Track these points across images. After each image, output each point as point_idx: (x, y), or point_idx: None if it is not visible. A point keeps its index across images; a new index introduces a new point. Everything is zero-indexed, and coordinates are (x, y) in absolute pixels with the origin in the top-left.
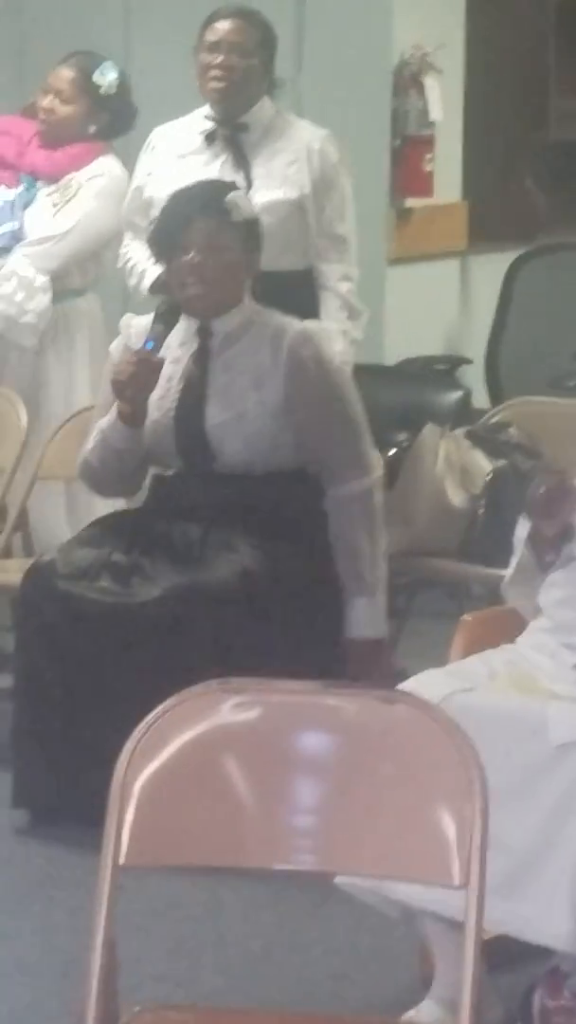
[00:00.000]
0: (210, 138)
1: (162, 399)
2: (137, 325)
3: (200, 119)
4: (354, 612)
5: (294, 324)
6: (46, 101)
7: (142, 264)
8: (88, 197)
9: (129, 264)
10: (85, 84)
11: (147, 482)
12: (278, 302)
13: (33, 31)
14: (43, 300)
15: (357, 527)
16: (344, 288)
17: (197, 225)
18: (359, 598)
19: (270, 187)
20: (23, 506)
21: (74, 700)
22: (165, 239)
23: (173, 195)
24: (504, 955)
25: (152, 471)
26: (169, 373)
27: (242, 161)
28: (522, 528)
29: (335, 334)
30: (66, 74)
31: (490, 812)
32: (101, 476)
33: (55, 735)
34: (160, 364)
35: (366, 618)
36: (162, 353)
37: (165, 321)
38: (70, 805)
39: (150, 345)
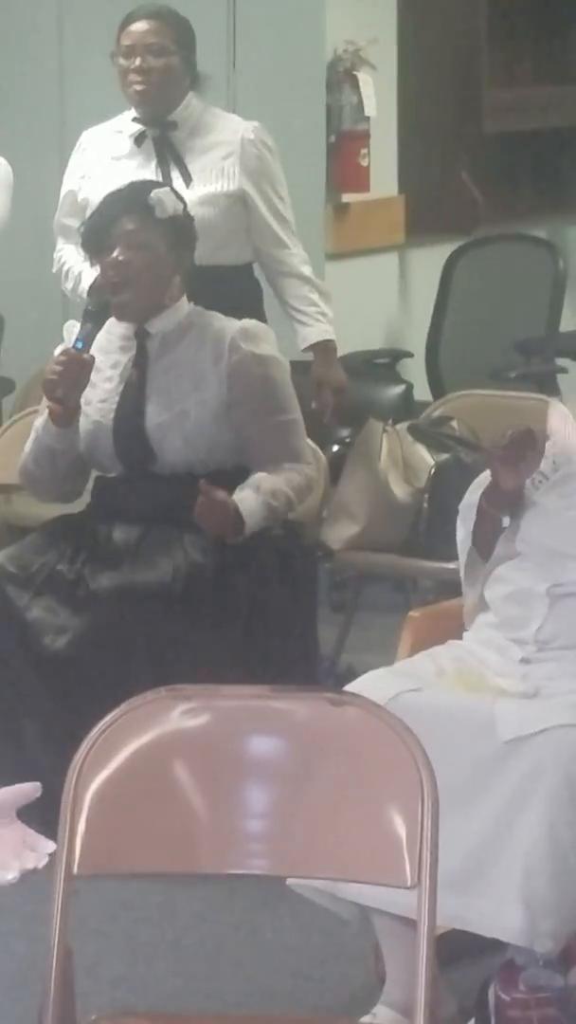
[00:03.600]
0: (139, 140)
1: (102, 402)
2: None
3: (128, 121)
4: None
5: (235, 323)
6: None
7: (77, 267)
8: None
9: (65, 268)
10: None
11: (90, 486)
12: (217, 297)
13: None
14: None
15: (300, 493)
16: (308, 271)
17: (120, 224)
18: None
19: (206, 181)
20: None
21: (36, 703)
22: (93, 240)
23: (103, 197)
24: (457, 949)
25: (95, 474)
26: (108, 375)
27: (176, 159)
28: (462, 528)
29: (310, 317)
30: None
31: (442, 809)
32: (38, 478)
33: (16, 737)
34: (90, 362)
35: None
36: (102, 357)
37: (94, 320)
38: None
39: (79, 345)
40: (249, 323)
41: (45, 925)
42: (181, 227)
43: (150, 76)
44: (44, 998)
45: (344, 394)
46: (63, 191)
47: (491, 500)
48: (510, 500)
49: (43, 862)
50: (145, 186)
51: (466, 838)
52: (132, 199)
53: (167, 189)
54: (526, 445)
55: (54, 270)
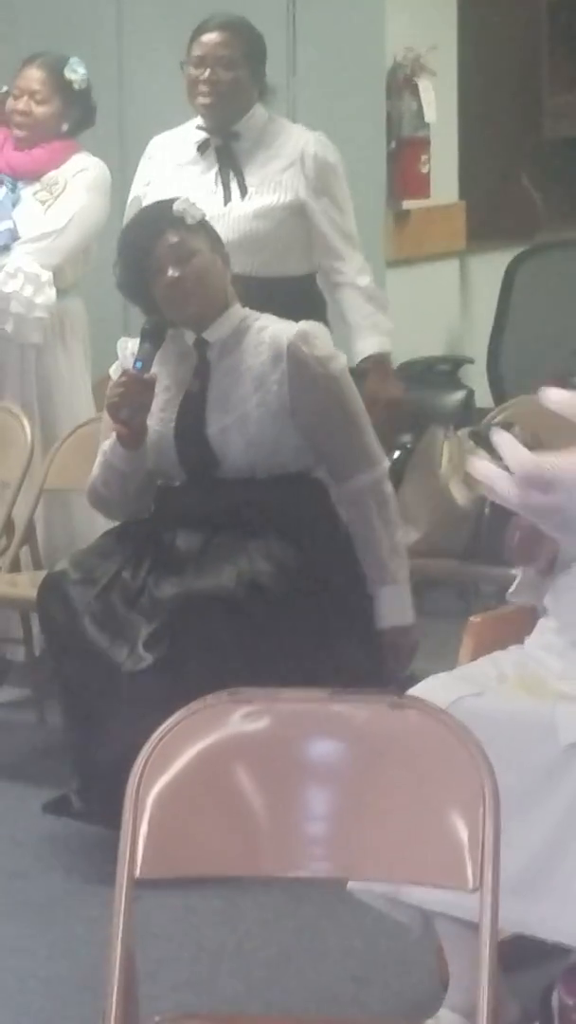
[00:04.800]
0: (202, 148)
1: (162, 411)
2: (133, 348)
3: (194, 129)
4: (380, 602)
5: (293, 325)
6: (20, 104)
7: None
8: (79, 191)
9: None
10: (58, 82)
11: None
12: (279, 307)
13: (28, 50)
14: (51, 295)
15: (372, 518)
16: (365, 281)
17: (159, 245)
18: (383, 587)
19: (264, 193)
20: (30, 519)
21: (103, 705)
22: (134, 277)
23: (120, 238)
24: (520, 954)
25: (159, 482)
26: (166, 385)
27: (236, 170)
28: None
29: (365, 329)
30: (37, 74)
31: (502, 814)
32: (107, 499)
33: (87, 741)
34: (152, 382)
35: (393, 606)
36: (161, 371)
37: (151, 339)
38: (95, 813)
39: (139, 365)
40: (306, 325)
41: (108, 933)
42: (210, 228)
43: (218, 88)
44: (106, 1000)
45: (397, 408)
46: (130, 197)
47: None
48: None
49: None
50: (161, 204)
51: (527, 843)
52: (159, 218)
53: (185, 198)
54: (533, 539)
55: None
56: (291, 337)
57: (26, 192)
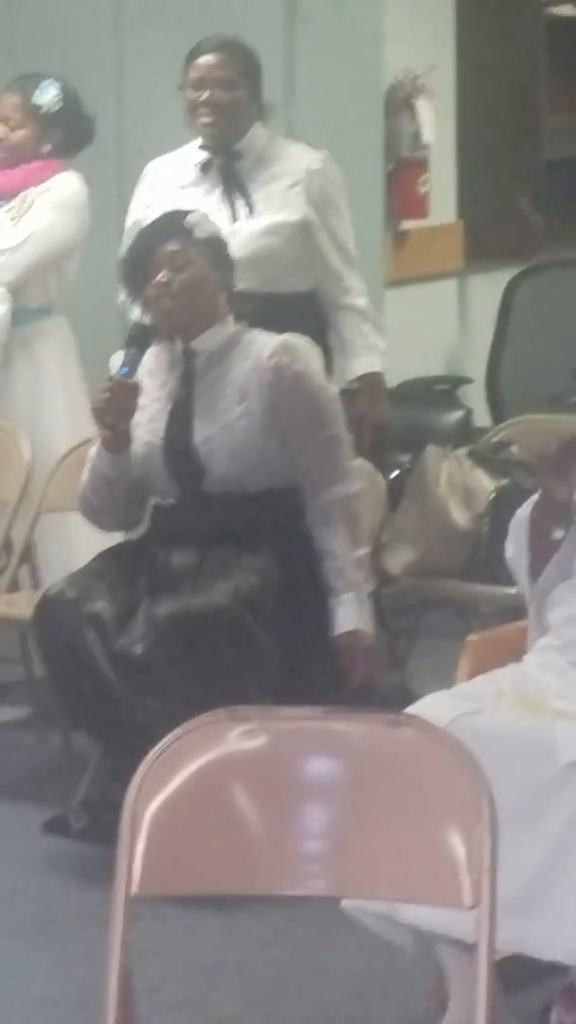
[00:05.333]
0: (205, 168)
1: (151, 422)
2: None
3: (195, 150)
4: (338, 609)
5: (276, 337)
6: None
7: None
8: (44, 209)
9: (126, 300)
10: (29, 107)
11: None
12: (281, 324)
13: (25, 68)
14: (1, 310)
15: (337, 531)
16: (362, 302)
17: (161, 249)
18: (341, 595)
19: (271, 210)
20: (28, 539)
21: (102, 723)
22: (134, 273)
23: (138, 232)
24: (519, 974)
25: (152, 502)
26: (156, 396)
27: (240, 188)
28: (511, 546)
29: (360, 349)
30: (10, 100)
31: (500, 832)
32: (96, 507)
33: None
34: (136, 387)
35: (349, 612)
36: (149, 380)
37: (137, 344)
38: (94, 832)
39: (124, 370)
40: (289, 337)
41: (105, 951)
42: (220, 247)
43: (218, 109)
44: (103, 1019)
45: (386, 431)
46: (129, 222)
47: (543, 512)
48: (562, 511)
49: None
50: (178, 213)
51: (524, 861)
52: (169, 225)
53: (202, 212)
54: (574, 453)
55: (119, 300)
56: (272, 348)
57: (2, 211)
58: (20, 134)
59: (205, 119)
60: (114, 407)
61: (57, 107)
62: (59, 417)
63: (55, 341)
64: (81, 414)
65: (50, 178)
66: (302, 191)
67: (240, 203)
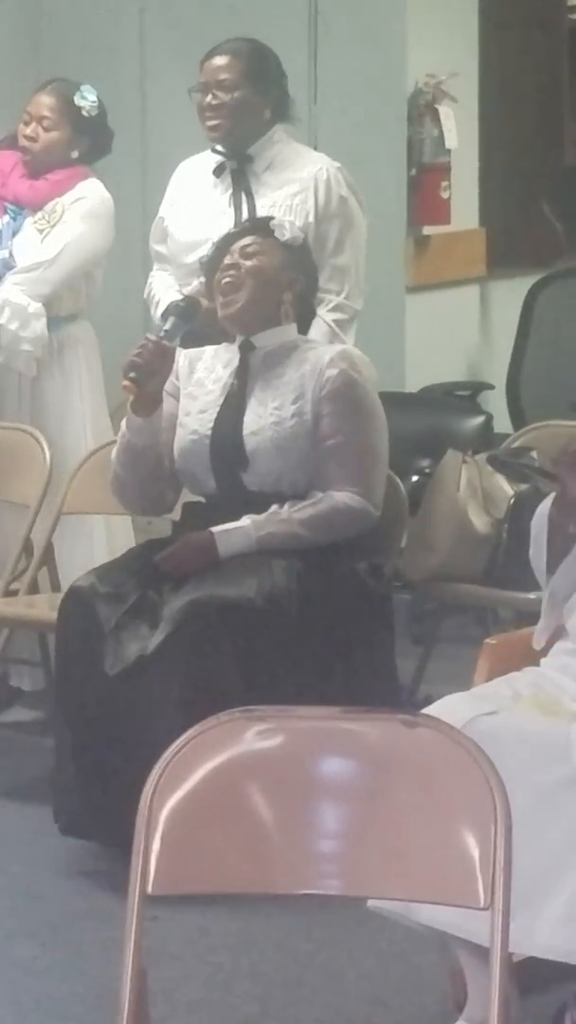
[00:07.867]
0: (218, 171)
1: (202, 412)
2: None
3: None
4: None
5: (337, 346)
6: (29, 129)
7: (159, 294)
8: (74, 220)
9: (149, 293)
10: (67, 109)
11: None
12: None
13: (51, 76)
14: (38, 327)
15: (305, 512)
16: (331, 317)
17: (239, 241)
18: (251, 517)
19: (276, 216)
20: (49, 541)
21: (115, 723)
22: (212, 261)
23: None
24: (535, 977)
25: (183, 500)
26: (209, 389)
27: (247, 193)
28: (534, 547)
29: None
30: (47, 100)
31: (515, 832)
32: (124, 481)
33: (92, 760)
34: (171, 352)
35: (234, 530)
36: (204, 373)
37: (179, 314)
38: (105, 833)
39: (163, 334)
40: (349, 347)
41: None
42: (298, 252)
43: (220, 111)
44: (117, 1016)
45: None
46: (157, 218)
47: (561, 508)
48: None
49: None
50: (268, 217)
51: (537, 861)
52: (255, 223)
53: (290, 220)
54: None
55: (145, 295)
56: (332, 355)
57: (28, 221)
58: (53, 135)
59: (209, 122)
60: (142, 364)
61: (95, 112)
62: (86, 421)
63: (83, 346)
64: (103, 418)
65: (75, 186)
66: (309, 198)
67: (245, 207)
